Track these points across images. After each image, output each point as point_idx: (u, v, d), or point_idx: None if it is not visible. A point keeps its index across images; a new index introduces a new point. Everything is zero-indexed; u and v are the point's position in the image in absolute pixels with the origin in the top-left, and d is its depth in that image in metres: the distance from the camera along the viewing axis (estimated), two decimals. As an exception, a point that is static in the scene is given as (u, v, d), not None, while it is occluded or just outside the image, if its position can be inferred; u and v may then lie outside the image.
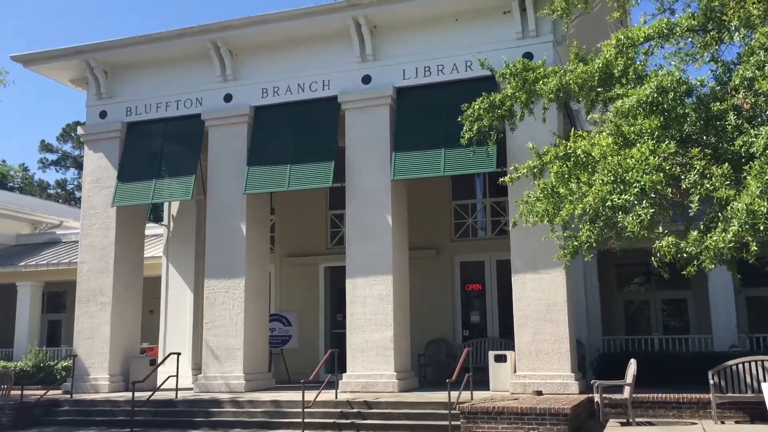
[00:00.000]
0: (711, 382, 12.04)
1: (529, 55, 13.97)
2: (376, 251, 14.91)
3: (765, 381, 11.67)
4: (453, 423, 11.27)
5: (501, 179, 9.27)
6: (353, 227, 15.26)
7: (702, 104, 8.19)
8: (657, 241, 6.93)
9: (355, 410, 12.55)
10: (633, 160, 7.27)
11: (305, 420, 12.17)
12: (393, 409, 12.39)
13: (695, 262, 6.73)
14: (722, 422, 11.93)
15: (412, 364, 16.71)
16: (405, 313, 15.43)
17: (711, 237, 6.52)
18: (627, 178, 7.16)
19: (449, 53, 15.04)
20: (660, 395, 12.64)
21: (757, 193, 6.08)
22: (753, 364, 12.15)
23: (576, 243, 7.90)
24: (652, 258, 7.27)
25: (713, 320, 16.66)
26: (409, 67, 15.40)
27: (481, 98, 11.23)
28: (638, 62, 9.12)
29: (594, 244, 7.95)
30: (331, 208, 19.47)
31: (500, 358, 14.32)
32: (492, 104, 11.23)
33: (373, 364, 14.55)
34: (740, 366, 12.21)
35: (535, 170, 8.69)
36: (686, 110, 7.99)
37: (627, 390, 12.00)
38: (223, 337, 15.63)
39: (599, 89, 10.08)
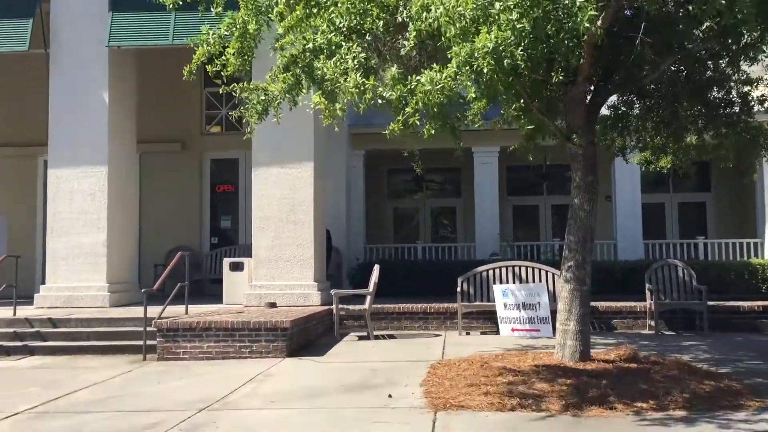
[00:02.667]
0: (459, 290, 10.84)
1: None
2: (87, 136, 12.00)
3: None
4: (149, 342, 9.04)
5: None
6: (58, 106, 12.16)
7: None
8: (342, 80, 4.98)
9: (34, 329, 9.89)
10: (339, -20, 5.18)
11: (-46, 344, 9.31)
12: (84, 327, 9.91)
13: (401, 116, 4.89)
14: (467, 333, 10.84)
15: (144, 276, 14.26)
16: (128, 214, 12.79)
17: (417, 78, 4.69)
18: (322, 1, 5.13)
19: None
20: (407, 306, 11.31)
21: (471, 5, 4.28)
22: (504, 270, 11.10)
23: (264, 98, 5.79)
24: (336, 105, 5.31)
25: (477, 228, 15.79)
26: None
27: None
28: None
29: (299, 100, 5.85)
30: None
31: (236, 267, 12.25)
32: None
33: (80, 273, 11.87)
34: (490, 272, 11.11)
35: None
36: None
37: (367, 300, 10.46)
38: None
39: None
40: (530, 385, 6.11)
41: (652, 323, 10.66)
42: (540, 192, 18.09)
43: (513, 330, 7.31)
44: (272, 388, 6.87)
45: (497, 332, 10.95)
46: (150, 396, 6.68)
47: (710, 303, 10.72)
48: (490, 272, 11.11)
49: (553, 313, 8.81)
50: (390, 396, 6.28)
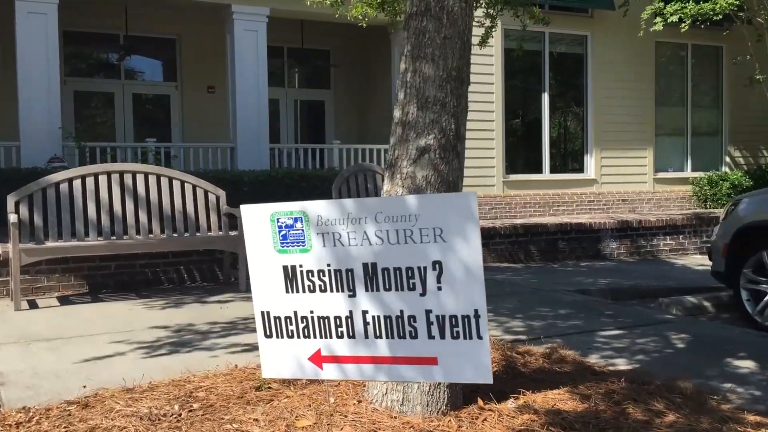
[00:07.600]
0: (12, 220, 5.39)
1: None
2: None
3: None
4: None
5: None
6: None
7: None
8: None
9: None
10: None
11: None
12: None
13: None
14: (32, 304, 5.55)
15: None
16: None
17: None
18: None
19: None
20: None
21: None
22: (105, 181, 5.97)
23: None
24: None
25: (23, 121, 9.78)
26: None
27: None
28: None
29: None
30: None
31: None
32: None
33: None
34: (77, 186, 5.87)
35: None
36: None
37: None
38: None
39: None
40: None
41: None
42: (116, 75, 12.69)
43: (322, 360, 1.92)
44: None
45: (88, 293, 5.93)
46: None
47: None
48: (77, 185, 5.87)
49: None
50: None
